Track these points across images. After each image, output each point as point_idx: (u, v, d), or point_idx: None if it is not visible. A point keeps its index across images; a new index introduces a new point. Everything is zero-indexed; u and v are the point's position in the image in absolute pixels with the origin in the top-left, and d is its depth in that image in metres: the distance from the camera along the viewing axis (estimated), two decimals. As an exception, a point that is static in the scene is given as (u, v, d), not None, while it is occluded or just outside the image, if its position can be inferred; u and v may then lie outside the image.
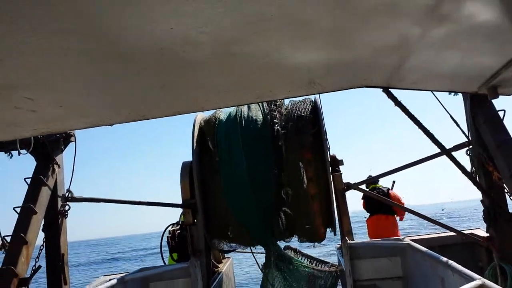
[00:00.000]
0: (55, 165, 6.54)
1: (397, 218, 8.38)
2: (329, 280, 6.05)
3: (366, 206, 8.48)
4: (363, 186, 7.07)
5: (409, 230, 21.82)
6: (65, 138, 6.72)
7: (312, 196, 5.72)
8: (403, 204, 8.14)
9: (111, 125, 2.82)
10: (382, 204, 7.87)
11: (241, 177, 5.69)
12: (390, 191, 8.31)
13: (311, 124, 5.93)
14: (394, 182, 8.61)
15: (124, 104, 2.51)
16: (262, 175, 5.70)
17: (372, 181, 7.77)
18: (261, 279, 6.06)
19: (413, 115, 3.38)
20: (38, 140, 6.26)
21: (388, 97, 3.20)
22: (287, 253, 6.08)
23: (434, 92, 5.48)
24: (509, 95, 2.97)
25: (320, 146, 5.85)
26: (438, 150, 5.16)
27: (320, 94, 6.44)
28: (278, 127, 5.86)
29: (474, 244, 6.57)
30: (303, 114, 5.96)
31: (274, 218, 5.67)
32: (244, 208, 5.73)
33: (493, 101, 5.66)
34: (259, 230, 5.73)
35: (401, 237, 5.91)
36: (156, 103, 2.58)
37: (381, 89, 3.14)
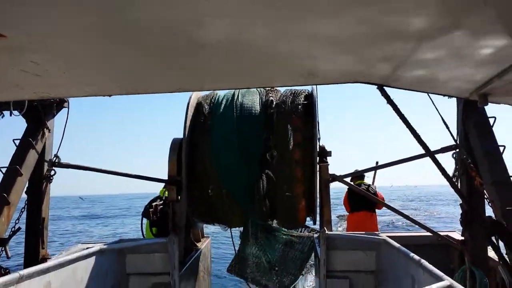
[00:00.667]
0: (45, 129, 6.55)
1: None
2: (307, 245, 6.18)
3: (349, 201, 8.47)
4: (348, 180, 7.14)
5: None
6: (58, 104, 6.71)
7: (296, 161, 5.75)
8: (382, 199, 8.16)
9: (110, 95, 2.85)
10: (367, 201, 7.91)
11: (230, 137, 5.81)
12: (378, 192, 8.32)
13: (304, 102, 6.10)
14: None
15: (127, 78, 2.53)
16: (250, 137, 5.82)
17: (357, 175, 7.83)
18: (237, 250, 6.19)
19: (403, 115, 3.46)
20: (31, 103, 6.24)
21: (382, 95, 3.25)
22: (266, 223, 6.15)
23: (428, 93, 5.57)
24: (498, 103, 3.02)
25: (311, 121, 5.92)
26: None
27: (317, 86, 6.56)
28: (272, 98, 6.08)
29: (449, 246, 6.69)
30: (297, 93, 6.16)
31: (256, 181, 5.69)
32: (228, 167, 5.79)
33: (486, 107, 5.74)
34: (240, 193, 5.78)
35: (378, 232, 6.01)
36: (158, 79, 2.61)
37: (376, 87, 3.18)
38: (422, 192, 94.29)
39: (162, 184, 7.25)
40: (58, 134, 6.80)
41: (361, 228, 7.64)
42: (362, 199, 7.84)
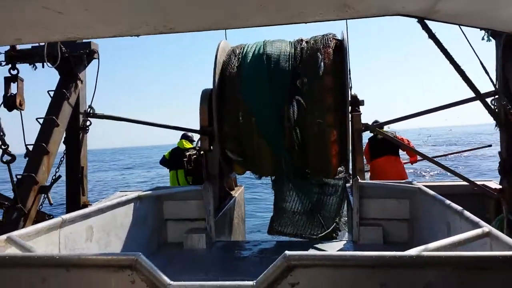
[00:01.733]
0: (78, 80, 6.62)
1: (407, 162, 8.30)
2: (340, 187, 6.22)
3: (370, 149, 8.18)
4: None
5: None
6: (88, 55, 6.73)
7: (327, 88, 5.71)
8: (413, 146, 7.90)
9: (137, 35, 2.78)
10: (389, 148, 7.69)
11: (259, 66, 5.86)
12: (399, 136, 8.04)
13: (336, 38, 6.14)
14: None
15: (152, 14, 2.45)
16: (280, 67, 5.82)
17: (392, 123, 7.63)
18: (274, 192, 6.27)
19: (446, 50, 3.22)
20: (63, 55, 6.30)
21: (423, 29, 3.03)
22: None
23: (466, 36, 5.30)
24: None
25: (342, 62, 5.86)
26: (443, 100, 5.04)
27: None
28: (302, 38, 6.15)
29: (484, 196, 6.59)
30: (326, 36, 6.18)
31: (286, 107, 5.70)
32: (257, 94, 5.79)
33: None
34: (270, 121, 5.78)
35: (411, 180, 5.94)
36: (184, 15, 2.51)
37: (416, 20, 2.99)
38: (457, 133, 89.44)
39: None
40: (91, 86, 6.90)
41: (385, 172, 7.40)
42: (384, 146, 7.54)
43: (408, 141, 7.80)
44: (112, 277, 2.33)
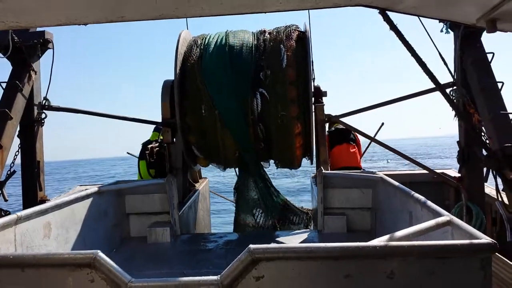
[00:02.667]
0: (31, 71, 6.34)
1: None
2: (302, 219, 6.29)
3: (330, 140, 8.23)
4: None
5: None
6: (42, 44, 6.46)
7: (291, 81, 5.70)
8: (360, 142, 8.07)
9: (85, 24, 2.64)
10: (347, 137, 7.74)
11: (221, 59, 5.75)
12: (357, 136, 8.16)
13: (299, 30, 6.10)
14: (383, 124, 8.50)
15: (101, 1, 2.33)
16: (243, 59, 5.74)
17: (354, 114, 7.70)
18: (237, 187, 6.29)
19: (408, 42, 3.24)
20: (15, 44, 6.02)
21: (384, 20, 3.04)
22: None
23: (426, 28, 5.40)
24: (506, 31, 2.88)
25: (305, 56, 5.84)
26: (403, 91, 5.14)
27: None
28: (265, 29, 6.13)
29: (444, 184, 6.79)
30: (290, 27, 6.14)
31: (250, 100, 5.66)
32: (220, 86, 5.72)
33: (484, 44, 5.60)
34: (233, 113, 5.73)
35: (375, 170, 6.04)
36: (135, 2, 2.40)
37: (378, 11, 2.99)
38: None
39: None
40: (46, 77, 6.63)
41: (342, 157, 7.45)
42: (343, 135, 7.55)
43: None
44: (70, 276, 2.23)
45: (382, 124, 8.48)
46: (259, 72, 5.70)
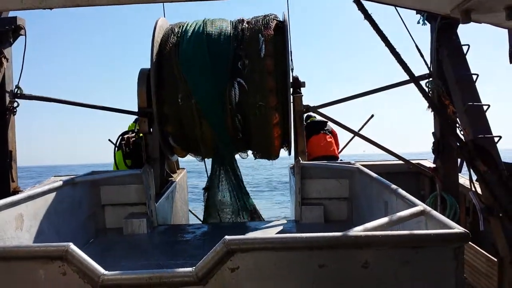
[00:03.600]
0: (3, 58, 6.15)
1: None
2: None
3: (307, 131, 8.25)
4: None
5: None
6: (14, 31, 6.27)
7: (269, 71, 5.68)
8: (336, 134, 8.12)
9: (50, 8, 2.53)
10: (323, 128, 7.77)
11: (199, 46, 5.69)
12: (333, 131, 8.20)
13: (276, 19, 6.09)
14: (372, 116, 8.55)
15: None
16: (221, 48, 5.70)
17: (332, 104, 7.74)
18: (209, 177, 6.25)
19: (383, 33, 3.24)
20: None
21: (358, 9, 3.03)
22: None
23: (403, 19, 5.43)
24: (480, 22, 2.90)
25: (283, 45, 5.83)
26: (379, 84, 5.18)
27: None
28: (243, 18, 6.11)
29: (419, 174, 6.91)
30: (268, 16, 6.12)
31: (228, 89, 5.62)
32: (197, 75, 5.66)
33: (460, 36, 5.68)
34: (210, 102, 5.68)
35: (351, 161, 6.09)
36: None
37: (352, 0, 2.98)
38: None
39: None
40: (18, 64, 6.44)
41: (318, 146, 7.49)
42: (318, 127, 7.63)
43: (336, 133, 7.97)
44: (41, 269, 2.18)
45: (372, 116, 8.54)
46: (237, 61, 5.66)
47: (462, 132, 5.21)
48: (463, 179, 5.70)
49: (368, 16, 3.06)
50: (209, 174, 6.43)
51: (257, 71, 5.65)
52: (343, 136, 8.23)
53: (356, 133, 6.87)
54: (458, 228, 2.16)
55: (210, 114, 5.71)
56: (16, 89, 6.27)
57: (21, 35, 6.38)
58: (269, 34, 5.78)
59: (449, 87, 5.42)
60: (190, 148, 6.28)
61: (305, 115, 6.93)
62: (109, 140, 7.09)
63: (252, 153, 6.42)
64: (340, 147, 8.07)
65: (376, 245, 2.13)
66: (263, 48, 5.65)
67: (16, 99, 6.29)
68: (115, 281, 2.09)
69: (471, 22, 2.70)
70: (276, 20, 6.06)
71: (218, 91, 5.61)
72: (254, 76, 5.65)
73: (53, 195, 4.39)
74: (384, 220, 2.54)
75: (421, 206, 2.84)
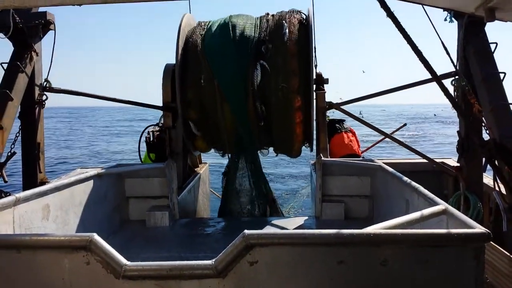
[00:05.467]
0: (33, 52, 6.32)
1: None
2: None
3: (329, 130, 8.20)
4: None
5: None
6: (44, 25, 6.43)
7: (292, 54, 5.71)
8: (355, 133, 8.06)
9: (79, 5, 2.61)
10: (340, 128, 7.72)
11: (224, 33, 5.84)
12: (352, 129, 8.16)
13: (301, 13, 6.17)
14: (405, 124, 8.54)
15: None
16: (245, 34, 5.80)
17: (354, 102, 7.70)
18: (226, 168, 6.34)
19: (405, 30, 3.18)
20: (17, 25, 5.99)
21: (381, 7, 2.99)
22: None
23: (429, 16, 5.34)
24: (505, 21, 2.84)
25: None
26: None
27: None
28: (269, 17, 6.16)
29: (443, 173, 6.81)
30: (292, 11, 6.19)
31: (251, 71, 5.66)
32: (220, 57, 5.75)
33: (488, 34, 5.56)
34: (233, 84, 5.73)
35: (374, 159, 6.05)
36: None
37: None
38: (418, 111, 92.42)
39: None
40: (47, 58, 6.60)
41: (344, 146, 7.47)
42: (340, 125, 7.63)
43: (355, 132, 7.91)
44: (65, 258, 2.25)
45: (405, 124, 8.52)
46: (261, 46, 5.72)
47: (487, 131, 5.13)
48: (488, 178, 5.60)
49: (391, 14, 3.02)
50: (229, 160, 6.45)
51: (280, 54, 5.70)
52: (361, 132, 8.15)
53: (387, 135, 6.78)
54: (479, 228, 2.15)
55: (232, 96, 5.74)
56: (45, 83, 6.43)
57: (51, 29, 6.53)
58: (293, 21, 5.87)
59: (476, 85, 5.32)
60: (212, 137, 6.29)
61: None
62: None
63: (274, 150, 6.41)
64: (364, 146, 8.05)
65: (396, 243, 2.13)
66: (286, 33, 5.71)
67: (45, 93, 6.45)
68: (136, 272, 2.15)
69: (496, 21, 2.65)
70: (300, 14, 6.09)
71: (241, 73, 5.66)
72: (277, 59, 5.69)
73: (79, 186, 4.51)
74: (404, 218, 2.53)
75: (442, 205, 2.82)
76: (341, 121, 7.48)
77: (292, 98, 5.71)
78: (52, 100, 6.73)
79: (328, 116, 7.46)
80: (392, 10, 3.00)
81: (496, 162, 4.19)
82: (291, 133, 5.91)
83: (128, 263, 2.15)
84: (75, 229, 4.31)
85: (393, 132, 7.90)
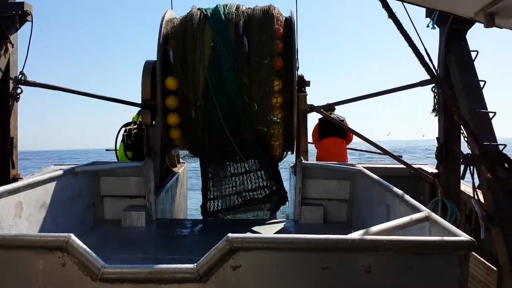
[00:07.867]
0: (8, 43, 6.10)
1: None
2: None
3: (319, 130, 8.18)
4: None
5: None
6: (21, 16, 6.21)
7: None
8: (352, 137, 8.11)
9: None
10: (336, 130, 7.82)
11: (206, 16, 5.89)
12: (344, 121, 8.20)
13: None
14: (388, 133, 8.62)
15: None
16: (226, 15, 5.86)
17: (334, 106, 7.74)
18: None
19: (407, 33, 3.11)
20: None
21: (383, 7, 2.93)
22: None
23: (413, 23, 5.39)
24: (502, 27, 2.85)
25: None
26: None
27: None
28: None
29: (419, 179, 6.88)
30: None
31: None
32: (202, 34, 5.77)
33: (468, 41, 5.63)
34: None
35: (353, 163, 6.06)
36: None
37: None
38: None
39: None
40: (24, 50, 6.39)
41: (332, 153, 7.52)
42: (333, 127, 7.64)
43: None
44: (40, 259, 2.16)
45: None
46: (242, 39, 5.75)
47: (466, 139, 5.18)
48: (464, 186, 5.67)
49: (392, 15, 2.97)
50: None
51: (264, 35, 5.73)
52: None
53: (371, 142, 6.77)
54: (464, 236, 2.14)
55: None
56: (20, 75, 6.22)
57: (28, 21, 6.33)
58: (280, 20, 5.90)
59: (456, 92, 5.38)
60: (191, 140, 6.18)
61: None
62: (107, 149, 7.07)
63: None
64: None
65: (381, 250, 2.11)
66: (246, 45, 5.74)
67: (19, 86, 6.24)
68: (114, 275, 2.07)
69: (494, 27, 2.65)
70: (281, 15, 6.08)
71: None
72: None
73: (53, 184, 4.37)
74: (388, 224, 2.51)
75: (425, 211, 2.81)
76: (338, 123, 7.46)
77: (272, 80, 5.75)
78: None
79: (332, 111, 7.56)
80: (394, 11, 2.96)
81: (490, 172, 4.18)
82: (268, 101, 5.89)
83: (106, 265, 2.07)
84: (49, 227, 4.17)
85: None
